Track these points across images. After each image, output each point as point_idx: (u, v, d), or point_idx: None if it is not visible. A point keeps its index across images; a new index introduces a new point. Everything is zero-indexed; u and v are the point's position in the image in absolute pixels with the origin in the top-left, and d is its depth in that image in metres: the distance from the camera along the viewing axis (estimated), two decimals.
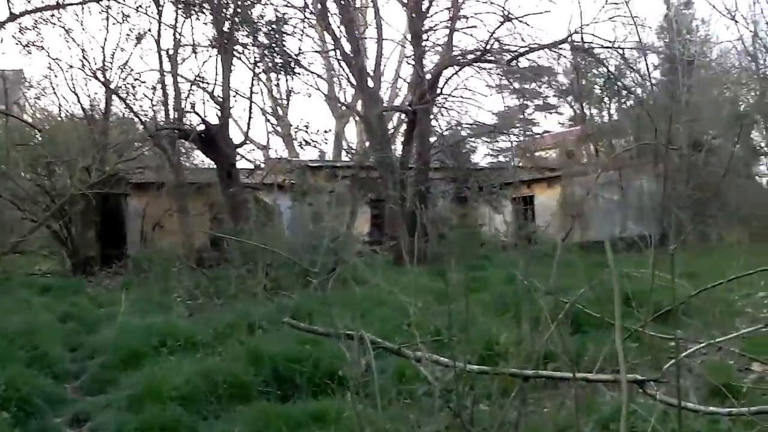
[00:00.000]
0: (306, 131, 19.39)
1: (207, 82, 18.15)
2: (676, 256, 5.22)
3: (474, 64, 20.41)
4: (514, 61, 19.78)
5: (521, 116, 40.15)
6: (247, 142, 20.19)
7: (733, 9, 18.53)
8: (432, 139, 21.00)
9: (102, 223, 19.98)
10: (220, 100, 17.69)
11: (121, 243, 19.91)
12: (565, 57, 22.25)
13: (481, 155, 33.29)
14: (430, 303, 6.08)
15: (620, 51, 19.70)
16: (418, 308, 5.72)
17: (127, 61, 19.46)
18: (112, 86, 19.28)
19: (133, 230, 20.67)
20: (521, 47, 19.16)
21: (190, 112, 18.15)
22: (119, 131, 21.62)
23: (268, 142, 26.40)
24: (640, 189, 22.59)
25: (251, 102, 19.36)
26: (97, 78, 19.20)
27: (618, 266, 3.25)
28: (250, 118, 19.46)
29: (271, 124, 26.20)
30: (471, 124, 24.40)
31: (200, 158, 23.20)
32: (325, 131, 21.09)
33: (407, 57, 25.66)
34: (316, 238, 13.22)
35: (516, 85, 37.59)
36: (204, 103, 18.28)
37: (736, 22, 19.25)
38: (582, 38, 18.57)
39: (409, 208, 18.71)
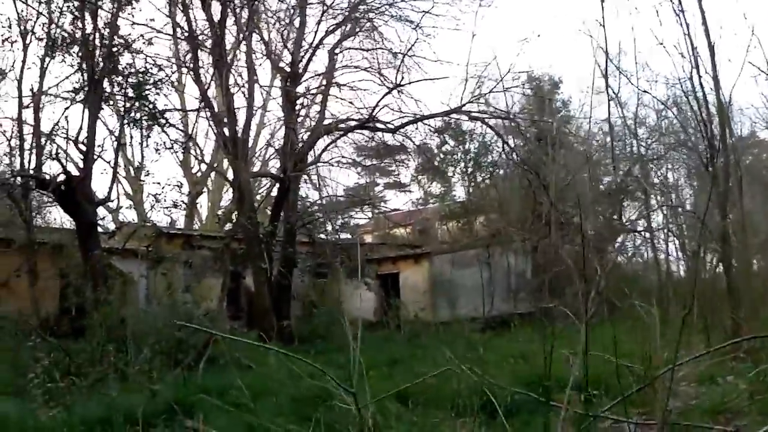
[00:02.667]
0: (179, 190, 18.60)
1: (68, 132, 16.32)
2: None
3: (356, 131, 20.23)
4: (397, 132, 19.85)
5: (372, 192, 41.07)
6: (111, 200, 17.99)
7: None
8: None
9: None
10: (84, 148, 15.89)
11: None
12: (435, 132, 23.01)
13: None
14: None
15: (517, 122, 20.61)
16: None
17: None
18: None
19: None
20: (404, 116, 19.30)
21: (50, 158, 16.09)
22: None
23: (119, 203, 24.24)
24: (508, 266, 23.32)
25: (117, 155, 17.96)
26: None
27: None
28: (115, 173, 17.41)
29: (121, 185, 24.87)
30: (340, 196, 24.27)
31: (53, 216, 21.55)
32: (191, 193, 19.84)
33: (274, 121, 25.36)
34: (183, 314, 12.20)
35: (367, 162, 38.60)
36: (66, 152, 16.50)
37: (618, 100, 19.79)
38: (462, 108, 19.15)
39: (275, 283, 17.92)
